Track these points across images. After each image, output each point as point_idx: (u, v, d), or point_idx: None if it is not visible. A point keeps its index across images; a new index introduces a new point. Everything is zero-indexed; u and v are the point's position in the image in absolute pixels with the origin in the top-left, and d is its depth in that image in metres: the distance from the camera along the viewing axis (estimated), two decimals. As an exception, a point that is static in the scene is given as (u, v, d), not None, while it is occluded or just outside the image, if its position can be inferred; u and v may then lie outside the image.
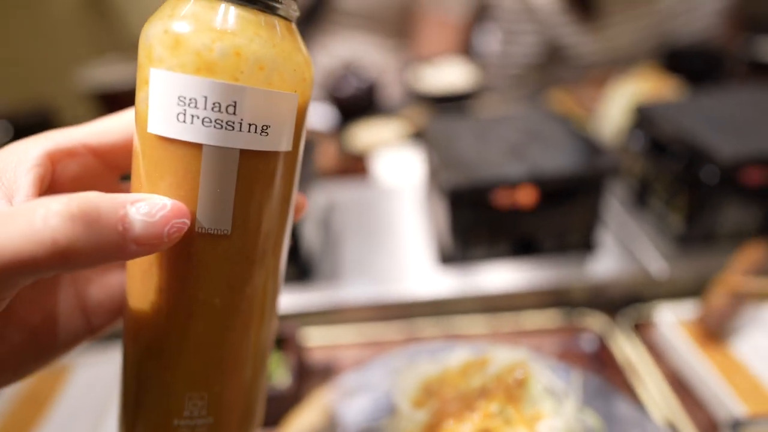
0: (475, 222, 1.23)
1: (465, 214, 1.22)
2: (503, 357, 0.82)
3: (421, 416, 0.77)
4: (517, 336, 1.19)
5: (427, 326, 1.26)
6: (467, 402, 0.76)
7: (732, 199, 1.21)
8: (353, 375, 1.10)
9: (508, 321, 1.26)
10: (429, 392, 0.81)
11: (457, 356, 0.86)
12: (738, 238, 1.29)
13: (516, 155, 1.24)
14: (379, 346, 1.22)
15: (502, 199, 1.21)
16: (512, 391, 0.77)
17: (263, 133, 0.34)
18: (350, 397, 1.06)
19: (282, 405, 1.02)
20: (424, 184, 1.52)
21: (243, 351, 0.42)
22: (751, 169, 1.19)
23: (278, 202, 0.39)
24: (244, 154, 0.35)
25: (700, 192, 1.22)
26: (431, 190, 1.36)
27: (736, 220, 1.26)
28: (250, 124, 0.34)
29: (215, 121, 0.33)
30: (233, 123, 0.33)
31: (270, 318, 0.46)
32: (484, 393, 0.77)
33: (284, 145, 0.37)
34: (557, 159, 1.21)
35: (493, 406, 0.74)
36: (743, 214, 1.25)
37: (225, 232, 0.36)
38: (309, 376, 1.19)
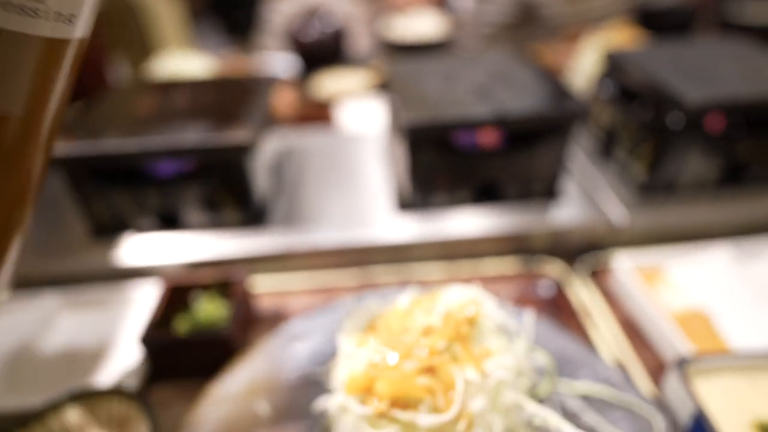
0: (436, 165, 1.18)
1: (425, 156, 1.16)
2: (453, 295, 0.79)
3: (365, 354, 0.73)
4: (475, 282, 1.17)
5: (383, 273, 1.22)
6: (413, 339, 0.72)
7: (695, 146, 1.19)
8: (301, 321, 1.06)
9: (466, 267, 1.23)
10: (374, 331, 0.77)
11: (406, 296, 0.82)
12: (699, 189, 1.28)
13: (482, 96, 1.19)
14: (332, 293, 1.18)
15: (465, 140, 1.16)
16: (461, 328, 0.74)
17: (68, 22, 0.35)
18: (296, 342, 1.02)
19: (223, 350, 0.97)
20: (386, 128, 1.45)
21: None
22: (715, 114, 1.16)
23: (67, 85, 0.40)
24: (47, 41, 0.35)
25: (664, 139, 1.19)
26: (393, 134, 1.30)
27: (698, 169, 1.24)
28: (56, 12, 0.34)
29: (19, 6, 0.32)
30: (37, 10, 0.33)
31: (31, 202, 0.48)
32: (431, 330, 0.73)
33: (82, 32, 0.38)
34: (524, 101, 1.16)
35: (439, 343, 0.71)
36: (705, 164, 1.23)
37: (14, 113, 0.36)
38: (258, 323, 1.14)
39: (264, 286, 1.22)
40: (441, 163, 1.18)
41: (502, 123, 1.10)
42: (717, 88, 1.18)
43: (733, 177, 1.27)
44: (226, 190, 1.16)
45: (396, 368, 0.70)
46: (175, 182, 1.14)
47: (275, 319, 1.14)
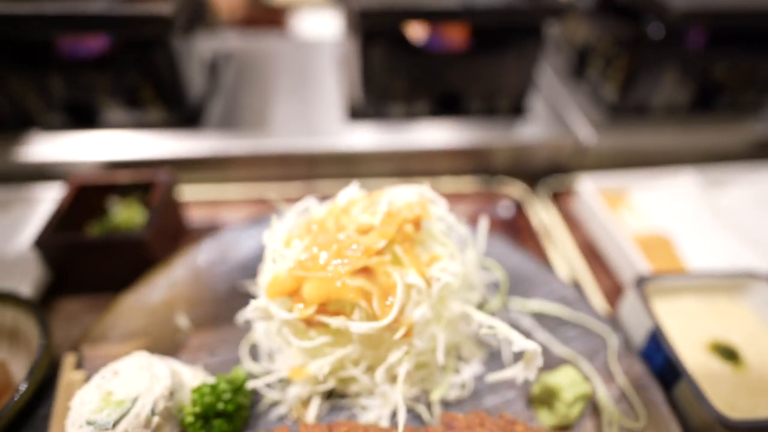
0: (392, 67, 1.05)
1: (380, 53, 1.02)
2: (398, 194, 0.68)
3: (292, 253, 0.62)
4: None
5: (329, 186, 1.11)
6: (348, 238, 0.62)
7: (672, 63, 1.10)
8: (233, 230, 0.94)
9: (422, 183, 1.13)
10: (307, 230, 0.66)
11: (347, 194, 0.71)
12: (670, 113, 1.20)
13: (447, -10, 1.04)
14: (271, 205, 1.06)
15: (427, 38, 1.02)
16: (405, 229, 0.64)
17: None
18: (225, 252, 0.91)
19: (137, 257, 0.85)
20: (341, 29, 1.29)
21: None
22: (698, 27, 1.07)
23: None
24: None
25: (641, 53, 1.09)
26: (346, 31, 1.15)
27: (671, 91, 1.16)
28: None
29: None
30: None
31: None
32: (369, 229, 0.63)
33: None
34: (492, -4, 1.02)
35: (377, 242, 0.61)
36: (680, 85, 1.15)
37: None
38: (189, 234, 1.02)
39: (197, 195, 1.09)
40: (397, 64, 1.04)
41: (468, 16, 0.96)
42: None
43: (706, 102, 1.20)
44: (149, 81, 0.99)
45: (325, 268, 0.60)
46: (85, 67, 0.97)
47: (209, 231, 1.02)
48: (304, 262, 0.61)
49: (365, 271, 0.60)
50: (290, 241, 0.65)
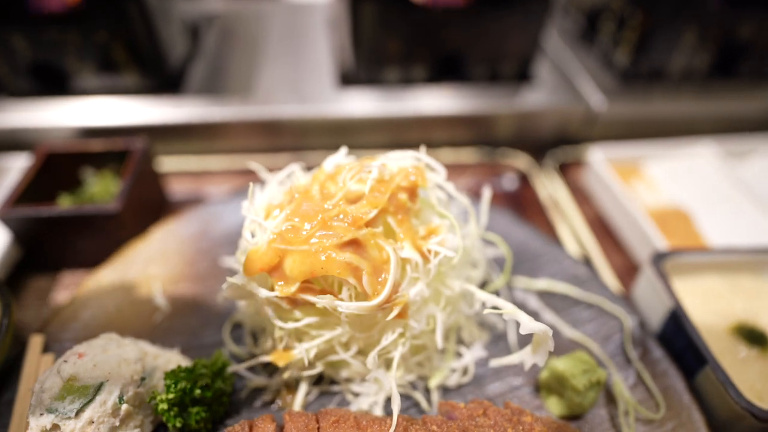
0: (386, 25, 0.96)
1: (372, 10, 0.94)
2: (392, 160, 0.61)
3: (273, 224, 0.55)
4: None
5: (318, 156, 1.03)
6: (335, 207, 0.55)
7: (690, 23, 1.01)
8: (216, 203, 0.87)
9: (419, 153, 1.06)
10: (289, 199, 0.59)
11: (334, 159, 0.63)
12: (688, 79, 1.12)
13: (448, -58, 0.95)
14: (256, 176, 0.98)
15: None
16: (399, 198, 0.57)
17: None
18: (207, 225, 0.84)
19: (111, 231, 0.78)
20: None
21: None
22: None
23: None
24: None
25: (656, 12, 1.00)
26: (339, -10, 1.06)
27: (688, 54, 1.07)
28: None
29: None
30: None
31: None
32: (358, 197, 0.56)
33: None
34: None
35: (367, 212, 0.54)
36: (699, 48, 1.06)
37: None
38: (170, 207, 0.95)
39: (180, 167, 1.01)
40: (391, 23, 0.96)
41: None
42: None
43: (727, 67, 1.11)
44: (121, 39, 0.91)
45: (309, 241, 0.53)
46: (50, 23, 0.88)
47: (191, 204, 0.95)
48: (285, 233, 0.54)
49: (354, 243, 0.53)
50: (271, 212, 0.58)
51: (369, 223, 0.54)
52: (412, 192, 0.59)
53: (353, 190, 0.57)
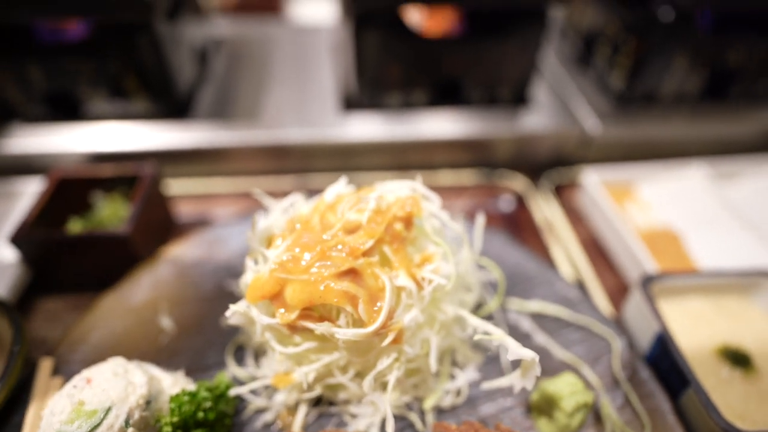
0: (387, 53, 1.00)
1: (374, 40, 0.97)
2: (389, 190, 0.64)
3: (274, 254, 0.58)
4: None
5: (323, 180, 1.07)
6: (334, 237, 0.58)
7: (682, 48, 1.04)
8: (221, 227, 0.90)
9: (418, 177, 1.08)
10: (291, 229, 0.62)
11: (334, 190, 0.67)
12: (679, 102, 1.15)
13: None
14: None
15: (422, 21, 0.97)
16: (394, 227, 0.60)
17: None
18: (213, 249, 0.87)
19: (120, 254, 0.81)
20: (336, 13, 1.24)
21: None
22: (710, 9, 1.01)
23: None
24: None
25: (649, 38, 1.04)
26: (340, 16, 1.09)
27: (680, 79, 1.10)
28: None
29: None
30: None
31: None
32: (355, 227, 0.59)
33: None
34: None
35: (364, 242, 0.57)
36: (689, 72, 1.09)
37: None
38: (178, 229, 0.98)
39: (187, 189, 1.05)
40: (393, 51, 0.99)
41: (466, -1, 0.91)
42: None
43: (718, 90, 1.14)
44: (132, 69, 0.95)
45: (308, 270, 0.56)
46: (65, 54, 0.92)
47: (198, 226, 0.98)
48: (285, 263, 0.57)
49: (351, 273, 0.56)
50: (273, 241, 0.62)
51: (366, 253, 0.57)
52: (408, 221, 0.62)
53: (351, 220, 0.60)
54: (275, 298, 0.58)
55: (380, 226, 0.59)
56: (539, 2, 0.96)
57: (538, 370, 0.55)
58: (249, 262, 0.62)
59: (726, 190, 1.05)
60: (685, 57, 1.06)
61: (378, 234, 0.58)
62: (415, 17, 0.99)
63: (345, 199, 0.62)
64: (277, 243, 0.60)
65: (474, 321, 0.61)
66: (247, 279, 0.62)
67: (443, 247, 0.63)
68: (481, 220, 0.73)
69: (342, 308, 0.56)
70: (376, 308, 0.56)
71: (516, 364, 0.70)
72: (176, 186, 1.04)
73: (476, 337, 0.58)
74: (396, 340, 0.57)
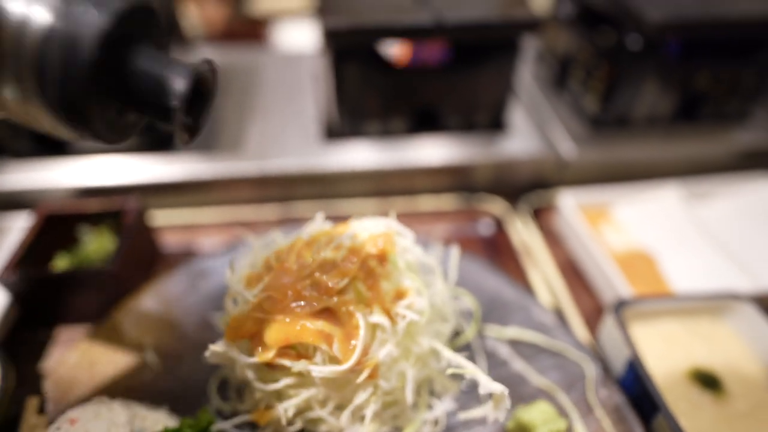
0: (366, 84, 1.02)
1: (353, 72, 1.00)
2: (363, 227, 0.66)
3: (251, 294, 0.60)
4: (408, 218, 1.05)
5: (306, 209, 1.09)
6: (309, 277, 0.60)
7: (652, 72, 1.08)
8: (205, 258, 0.92)
9: (399, 203, 1.11)
10: (268, 269, 0.64)
11: (310, 227, 0.69)
12: (651, 124, 1.18)
13: (420, 3, 1.02)
14: (248, 229, 1.03)
15: (399, 53, 1.00)
16: (369, 264, 0.62)
17: None
18: (197, 282, 0.89)
19: (107, 290, 0.83)
20: (317, 45, 1.27)
21: None
22: (676, 37, 1.05)
23: None
24: None
25: (620, 63, 1.07)
26: (320, 48, 1.13)
27: (652, 101, 1.14)
28: None
29: None
30: None
31: None
32: (331, 266, 0.61)
33: None
34: (468, 9, 1.00)
35: (339, 281, 0.59)
36: (660, 95, 1.13)
37: None
38: (163, 261, 1.00)
39: (171, 220, 1.07)
40: (371, 82, 1.02)
41: (441, 32, 0.94)
42: (679, 9, 1.05)
43: (688, 112, 1.18)
44: (116, 106, 0.97)
45: (285, 311, 0.58)
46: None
47: (184, 256, 1.00)
48: (263, 303, 0.59)
49: (326, 312, 0.58)
50: (251, 280, 0.63)
51: (340, 292, 0.59)
52: (382, 258, 0.64)
53: (327, 259, 0.62)
54: (253, 337, 0.59)
55: (355, 264, 0.61)
56: (511, 34, 0.99)
57: (508, 403, 0.57)
58: (228, 302, 0.64)
59: (698, 209, 1.08)
60: (656, 81, 1.10)
61: (352, 273, 0.60)
62: (390, 49, 1.02)
63: (320, 237, 0.64)
64: (256, 282, 0.62)
65: (447, 354, 0.63)
66: (226, 318, 0.63)
67: (417, 282, 0.65)
68: (455, 251, 0.75)
69: (317, 346, 0.58)
70: (351, 346, 0.58)
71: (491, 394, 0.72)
72: (161, 217, 1.05)
73: (449, 371, 0.60)
74: (371, 376, 0.59)
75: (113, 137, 0.43)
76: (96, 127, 0.41)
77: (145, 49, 0.42)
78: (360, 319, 0.58)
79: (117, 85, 0.41)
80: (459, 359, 0.61)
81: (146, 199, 1.00)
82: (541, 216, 1.10)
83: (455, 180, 1.14)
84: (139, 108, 0.43)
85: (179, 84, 0.41)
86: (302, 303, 0.58)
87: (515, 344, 0.80)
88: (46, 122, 0.40)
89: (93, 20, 0.38)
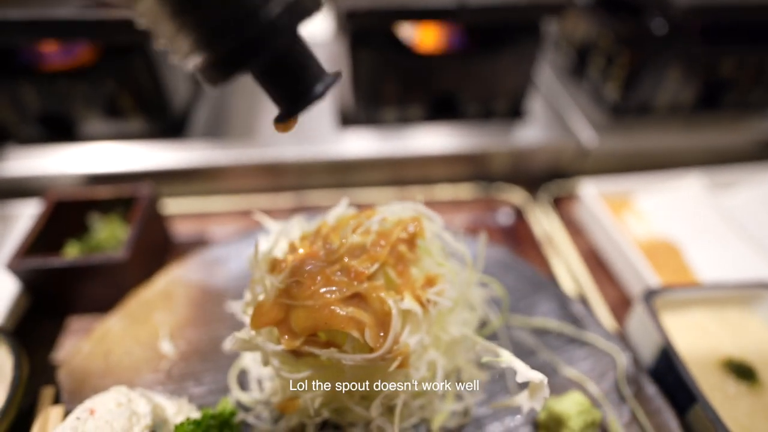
0: (383, 69, 1.00)
1: (370, 56, 0.97)
2: (391, 212, 0.64)
3: (276, 280, 0.58)
4: (426, 207, 1.02)
5: (321, 197, 1.07)
6: (338, 262, 0.58)
7: (676, 60, 1.05)
8: (221, 246, 0.90)
9: (416, 191, 1.09)
10: (293, 254, 0.62)
11: (336, 211, 0.66)
12: (673, 113, 1.16)
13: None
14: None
15: (416, 37, 0.98)
16: (398, 249, 0.60)
17: None
18: (213, 269, 0.86)
19: (117, 279, 0.80)
20: (332, 29, 1.24)
21: None
22: (702, 23, 1.03)
23: None
24: None
25: (643, 50, 1.05)
26: (336, 33, 1.10)
27: (674, 90, 1.11)
28: None
29: None
30: None
31: None
32: (360, 251, 0.59)
33: None
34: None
35: (370, 266, 0.57)
36: (683, 82, 1.10)
37: None
38: (176, 249, 0.98)
39: (184, 208, 1.04)
40: (388, 67, 1.00)
41: (462, 14, 0.91)
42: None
43: (712, 100, 1.15)
44: (128, 90, 0.94)
45: (313, 296, 0.55)
46: (60, 77, 0.92)
47: (196, 245, 0.97)
48: (290, 288, 0.57)
49: (356, 297, 0.56)
50: (276, 266, 0.61)
51: (370, 277, 0.57)
52: (411, 243, 0.62)
53: (355, 244, 0.59)
54: (279, 324, 0.57)
55: (384, 249, 0.58)
56: (533, 17, 0.96)
57: (546, 392, 0.55)
58: (252, 288, 0.61)
59: (722, 199, 1.06)
60: (678, 68, 1.08)
61: (382, 257, 0.58)
62: (409, 33, 1.00)
63: (348, 222, 0.62)
64: (281, 267, 0.60)
65: (480, 342, 0.60)
66: (251, 305, 0.61)
67: (447, 268, 0.63)
68: (483, 238, 0.72)
69: (348, 333, 0.56)
70: (382, 333, 0.55)
71: (523, 383, 0.70)
72: (173, 205, 1.03)
73: (484, 360, 0.58)
74: (402, 364, 0.57)
75: (215, 77, 0.41)
76: (222, 68, 0.40)
77: (302, 38, 0.43)
78: (392, 305, 0.56)
79: (272, 52, 0.41)
80: (493, 347, 0.59)
81: (158, 186, 0.98)
82: (561, 205, 1.08)
83: (473, 169, 1.11)
84: (272, 81, 0.44)
85: (319, 88, 0.43)
86: (332, 288, 0.56)
87: (541, 334, 0.77)
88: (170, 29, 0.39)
89: None
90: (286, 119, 0.46)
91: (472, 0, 0.90)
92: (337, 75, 0.46)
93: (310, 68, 0.44)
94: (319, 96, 0.44)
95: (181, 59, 0.41)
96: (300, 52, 0.44)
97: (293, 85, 0.44)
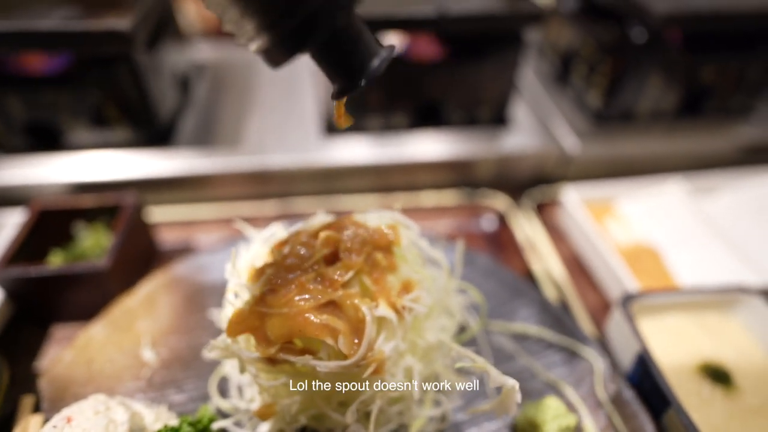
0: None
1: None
2: (368, 220, 0.65)
3: (254, 288, 0.58)
4: (410, 214, 1.03)
5: (306, 204, 1.07)
6: (313, 270, 0.58)
7: (656, 67, 1.07)
8: (204, 254, 0.90)
9: (401, 198, 1.10)
10: (270, 262, 0.62)
11: (314, 220, 0.67)
12: (655, 119, 1.17)
13: (423, -2, 1.00)
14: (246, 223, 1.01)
15: (401, 46, 0.99)
16: (375, 257, 0.60)
17: None
18: (195, 278, 0.87)
19: (100, 287, 0.81)
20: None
21: None
22: (680, 30, 1.04)
23: None
24: None
25: (624, 57, 1.06)
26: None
27: (656, 96, 1.13)
28: None
29: None
30: None
31: None
32: (335, 259, 0.59)
33: None
34: (472, 0, 0.98)
35: (345, 274, 0.57)
36: (664, 90, 1.12)
37: None
38: (161, 257, 0.98)
39: (169, 216, 1.05)
40: (374, 76, 1.00)
41: (444, 24, 0.93)
42: (684, 1, 1.05)
43: (693, 107, 1.17)
44: (112, 99, 0.95)
45: (288, 304, 0.56)
46: (44, 86, 0.92)
47: (182, 253, 0.98)
48: (265, 296, 0.57)
49: (331, 305, 0.57)
50: (253, 274, 0.62)
51: (345, 285, 0.58)
52: (387, 250, 0.62)
53: (330, 252, 0.60)
54: (255, 331, 0.58)
55: (360, 257, 0.59)
56: (514, 26, 0.98)
57: (518, 397, 0.55)
58: (229, 296, 0.62)
59: (703, 204, 1.07)
60: (660, 75, 1.09)
61: (357, 265, 0.58)
62: (393, 42, 1.01)
63: (325, 229, 0.63)
64: (258, 275, 0.60)
65: (456, 348, 0.61)
66: (227, 313, 0.62)
67: (423, 275, 0.63)
68: (461, 245, 0.73)
69: (322, 341, 0.56)
70: (356, 340, 0.56)
71: (500, 388, 0.71)
72: (159, 213, 1.04)
73: (458, 365, 0.58)
74: (377, 371, 0.57)
75: (279, 57, 0.42)
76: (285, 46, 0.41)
77: (357, 14, 0.44)
78: (366, 312, 0.56)
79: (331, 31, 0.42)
80: (468, 353, 0.59)
81: (143, 194, 0.98)
82: (544, 211, 1.09)
83: (458, 175, 1.12)
84: (330, 58, 0.44)
85: (375, 62, 0.43)
86: (306, 296, 0.56)
87: (521, 339, 0.78)
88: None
89: None
90: (342, 96, 0.47)
91: (453, 10, 0.91)
92: (391, 48, 0.45)
93: (367, 43, 0.44)
94: (377, 70, 0.43)
95: (247, 42, 0.42)
96: (356, 27, 0.44)
97: (350, 61, 0.45)
